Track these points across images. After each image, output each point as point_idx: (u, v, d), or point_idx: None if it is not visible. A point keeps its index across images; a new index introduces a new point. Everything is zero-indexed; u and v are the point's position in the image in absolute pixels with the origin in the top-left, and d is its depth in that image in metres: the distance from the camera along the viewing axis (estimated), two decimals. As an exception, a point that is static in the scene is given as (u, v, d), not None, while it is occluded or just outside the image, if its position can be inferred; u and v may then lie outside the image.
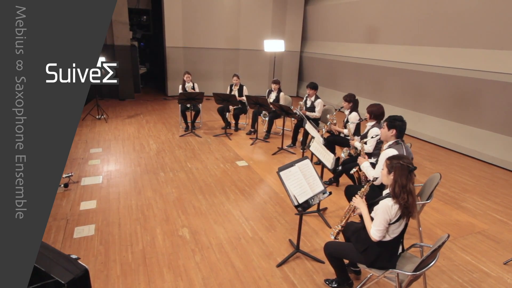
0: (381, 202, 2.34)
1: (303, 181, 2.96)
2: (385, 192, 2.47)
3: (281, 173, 2.87)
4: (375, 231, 2.35)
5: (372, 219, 2.44)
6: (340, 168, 4.25)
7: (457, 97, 6.72)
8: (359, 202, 2.56)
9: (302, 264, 3.16)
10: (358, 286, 2.73)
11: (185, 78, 7.10)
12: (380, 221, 2.32)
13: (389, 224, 2.33)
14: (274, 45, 8.80)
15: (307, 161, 3.15)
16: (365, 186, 2.66)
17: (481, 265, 3.25)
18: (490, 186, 5.10)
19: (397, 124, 3.32)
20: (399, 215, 2.29)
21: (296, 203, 2.81)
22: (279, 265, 3.12)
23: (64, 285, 0.81)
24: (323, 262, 3.17)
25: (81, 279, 0.80)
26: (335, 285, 2.85)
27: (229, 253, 3.27)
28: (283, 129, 6.62)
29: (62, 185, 4.42)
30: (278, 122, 7.63)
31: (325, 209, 4.18)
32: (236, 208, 4.12)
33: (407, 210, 2.27)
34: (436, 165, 5.90)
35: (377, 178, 3.06)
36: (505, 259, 3.32)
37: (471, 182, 5.23)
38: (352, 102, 5.22)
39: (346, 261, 2.89)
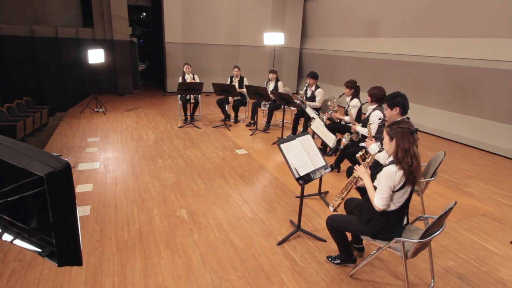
0: (384, 169, 2.26)
1: (304, 155, 2.88)
2: (388, 160, 2.39)
3: (282, 146, 2.79)
4: (378, 199, 2.27)
5: (375, 188, 2.35)
6: (341, 147, 4.17)
7: (458, 88, 6.67)
8: (362, 171, 2.48)
9: (304, 242, 3.07)
10: (362, 263, 2.63)
11: (184, 69, 7.04)
12: (384, 189, 2.23)
13: (393, 192, 2.25)
14: (274, 38, 8.76)
15: (308, 136, 3.07)
16: (369, 157, 2.58)
17: (487, 244, 3.16)
18: (494, 173, 5.02)
19: (398, 101, 3.23)
20: (403, 182, 2.21)
21: (297, 176, 2.73)
22: (279, 243, 3.03)
23: (43, 178, 0.73)
24: (325, 241, 3.08)
25: (62, 173, 0.72)
26: (338, 262, 2.76)
27: (228, 232, 3.18)
28: (283, 121, 6.55)
29: (58, 170, 4.33)
30: (278, 115, 7.58)
31: (326, 192, 4.09)
32: (236, 192, 4.04)
33: (412, 175, 2.19)
34: (438, 154, 5.82)
35: (383, 149, 2.98)
36: (511, 239, 3.23)
37: (474, 170, 5.15)
38: (353, 88, 5.15)
39: (349, 239, 2.81)
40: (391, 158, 2.31)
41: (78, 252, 0.80)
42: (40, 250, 0.83)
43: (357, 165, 2.53)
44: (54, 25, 9.76)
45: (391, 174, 2.19)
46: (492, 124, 6.11)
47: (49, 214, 0.75)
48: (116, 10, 9.65)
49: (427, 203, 3.91)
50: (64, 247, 0.76)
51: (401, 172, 2.19)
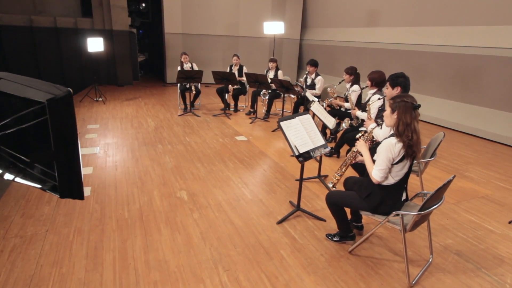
0: (384, 141, 2.27)
1: (304, 133, 2.89)
2: (389, 134, 2.39)
3: (282, 123, 2.79)
4: (377, 171, 2.28)
5: (374, 162, 2.36)
6: (341, 128, 4.17)
7: (459, 76, 6.66)
8: (361, 145, 2.49)
9: (303, 221, 3.09)
10: (361, 239, 2.65)
11: (182, 59, 7.01)
12: (382, 160, 2.24)
13: (392, 165, 2.26)
14: (273, 28, 8.71)
15: (308, 116, 3.08)
16: (368, 131, 2.59)
17: (486, 224, 3.18)
18: (493, 159, 5.03)
19: (401, 81, 3.23)
20: (402, 155, 2.21)
21: (297, 153, 2.74)
22: (279, 222, 3.04)
23: (45, 108, 0.73)
24: (324, 220, 3.10)
25: (64, 100, 0.72)
26: (337, 239, 2.78)
27: (228, 212, 3.20)
28: (282, 110, 6.56)
29: (58, 154, 4.34)
30: (278, 105, 7.57)
31: (326, 176, 4.10)
32: (236, 175, 4.05)
33: (411, 150, 2.19)
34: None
35: (382, 122, 2.99)
36: (510, 219, 3.25)
37: (474, 156, 5.16)
38: (353, 75, 5.14)
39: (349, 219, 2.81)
40: (391, 132, 2.31)
41: (80, 185, 0.81)
42: (40, 186, 0.83)
43: (357, 141, 2.53)
44: (52, 14, 9.69)
45: (391, 146, 2.20)
46: (491, 112, 6.12)
47: (51, 144, 0.75)
48: (115, 0, 9.58)
49: (426, 186, 3.92)
50: (65, 178, 0.77)
51: (400, 145, 2.19)
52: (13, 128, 0.78)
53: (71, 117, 0.74)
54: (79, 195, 0.81)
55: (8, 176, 0.89)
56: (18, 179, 0.87)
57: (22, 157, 0.79)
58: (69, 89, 0.74)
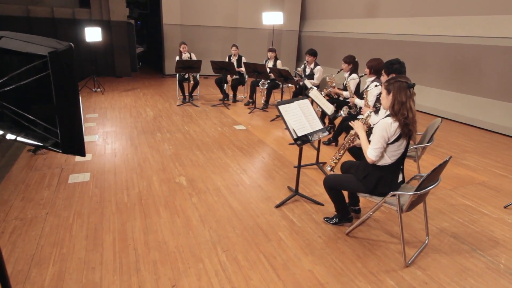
0: (380, 121, 2.29)
1: (302, 118, 2.90)
2: (385, 114, 2.41)
3: (280, 107, 2.81)
4: (372, 150, 2.30)
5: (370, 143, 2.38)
6: (339, 115, 4.19)
7: (457, 66, 6.66)
8: (359, 126, 2.51)
9: (301, 206, 3.12)
10: (359, 221, 2.68)
11: (181, 49, 6.99)
12: (377, 139, 2.26)
13: (388, 144, 2.28)
14: (272, 18, 8.67)
15: (306, 101, 3.09)
16: (367, 113, 2.61)
17: (482, 209, 3.22)
18: (490, 148, 5.06)
19: (396, 67, 3.25)
20: (398, 134, 2.24)
21: (295, 136, 2.76)
22: (277, 206, 3.07)
23: (46, 58, 0.75)
24: (322, 204, 3.13)
25: (65, 53, 0.73)
26: (334, 221, 2.81)
27: (227, 196, 3.22)
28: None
29: (57, 141, 4.35)
30: (277, 96, 7.56)
31: (324, 163, 4.12)
32: (234, 162, 4.07)
33: (407, 128, 2.22)
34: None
35: (379, 107, 3.01)
36: (505, 204, 3.28)
37: (471, 145, 5.19)
38: (352, 63, 5.13)
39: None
40: (388, 112, 2.33)
41: (81, 140, 0.82)
42: (42, 144, 0.85)
43: (355, 120, 2.55)
44: (50, 5, 9.61)
45: (386, 125, 2.22)
46: (489, 102, 6.13)
47: (53, 99, 0.77)
48: (113, -10, 9.50)
49: (423, 172, 3.94)
50: (67, 133, 0.78)
51: (396, 124, 2.22)
52: (16, 84, 0.79)
53: (72, 71, 0.75)
54: (80, 152, 0.83)
55: (10, 136, 0.91)
56: (20, 138, 0.88)
57: (25, 113, 0.81)
58: (70, 43, 0.75)
